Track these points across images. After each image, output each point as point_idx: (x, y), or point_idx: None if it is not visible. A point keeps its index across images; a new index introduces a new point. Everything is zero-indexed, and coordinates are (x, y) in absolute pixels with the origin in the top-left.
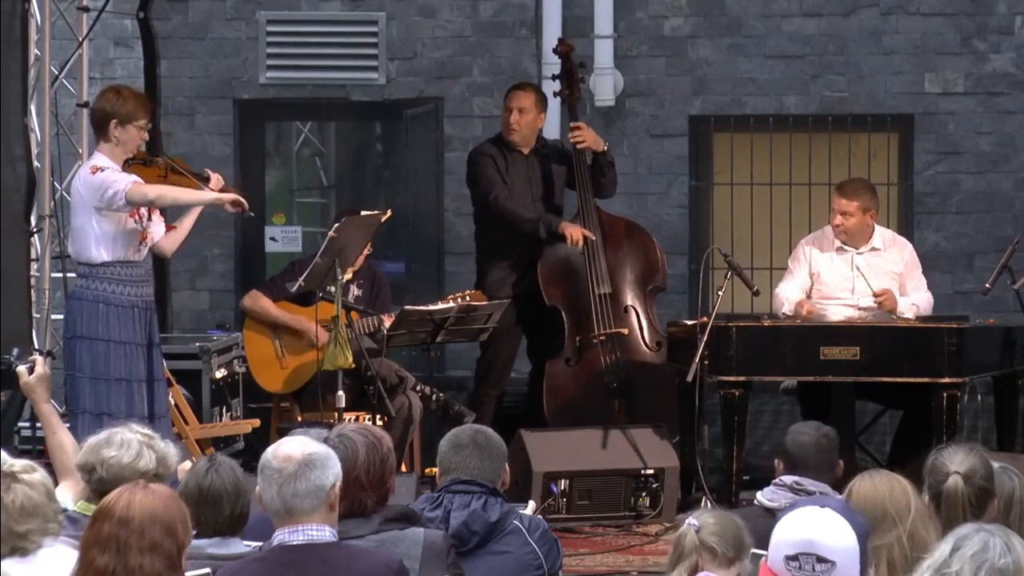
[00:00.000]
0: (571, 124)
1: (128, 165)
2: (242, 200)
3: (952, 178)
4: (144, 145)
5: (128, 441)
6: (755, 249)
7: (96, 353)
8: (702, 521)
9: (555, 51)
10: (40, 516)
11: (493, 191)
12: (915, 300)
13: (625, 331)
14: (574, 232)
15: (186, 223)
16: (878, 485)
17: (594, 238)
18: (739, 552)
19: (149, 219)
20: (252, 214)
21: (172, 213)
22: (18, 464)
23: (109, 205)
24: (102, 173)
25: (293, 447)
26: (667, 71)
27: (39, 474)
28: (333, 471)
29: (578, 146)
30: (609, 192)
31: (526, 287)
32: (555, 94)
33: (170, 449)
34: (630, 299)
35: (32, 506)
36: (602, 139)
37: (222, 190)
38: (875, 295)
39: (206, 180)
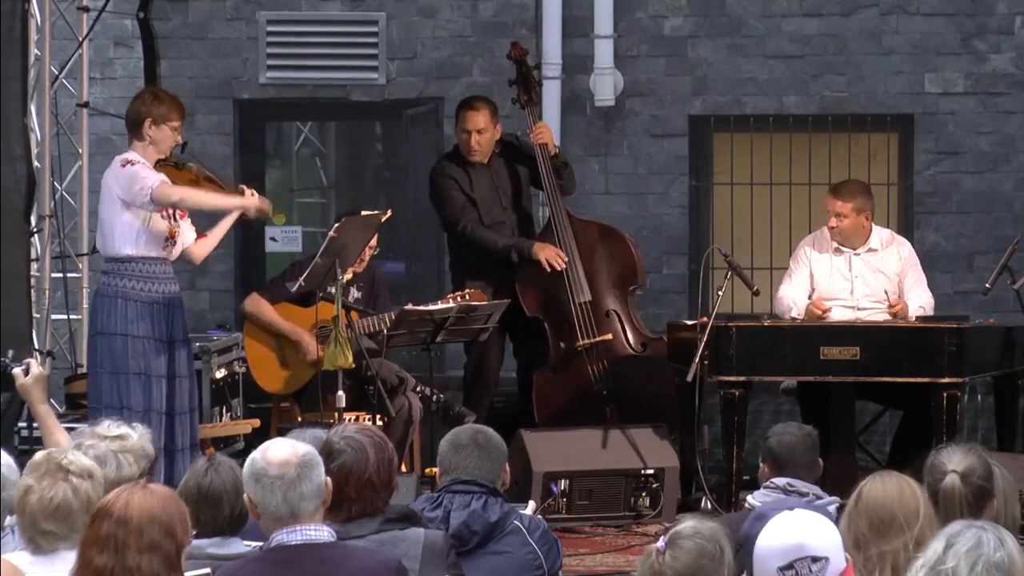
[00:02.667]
0: (533, 126)
1: (159, 166)
2: (266, 208)
3: (952, 178)
4: (179, 149)
5: (102, 457)
6: (755, 249)
7: (115, 348)
8: (672, 547)
9: (508, 56)
10: (67, 524)
11: (462, 221)
12: (920, 303)
13: (609, 337)
14: (550, 258)
15: (217, 232)
16: (889, 489)
17: (566, 262)
18: None
19: (176, 220)
20: (274, 221)
21: (203, 222)
22: (79, 463)
23: (135, 200)
24: (132, 167)
25: (284, 451)
26: (667, 71)
27: (90, 483)
28: (322, 466)
29: (537, 141)
30: (570, 190)
31: (505, 294)
32: (513, 101)
33: (144, 436)
34: (610, 303)
35: (66, 512)
36: (554, 145)
37: (267, 209)
38: (891, 305)
39: (240, 194)
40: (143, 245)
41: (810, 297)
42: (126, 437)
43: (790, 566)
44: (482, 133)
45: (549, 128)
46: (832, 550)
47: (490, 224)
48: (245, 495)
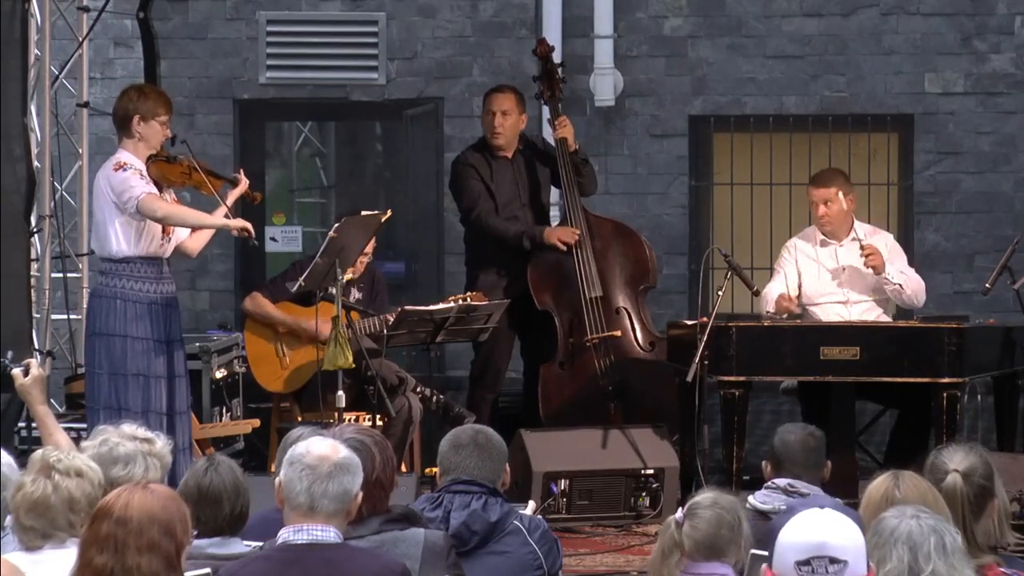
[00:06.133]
0: (555, 120)
1: (151, 161)
2: (248, 227)
3: (952, 178)
4: (170, 143)
5: (131, 455)
6: (755, 249)
7: (113, 349)
8: (691, 518)
9: (534, 52)
10: (47, 519)
11: (475, 208)
12: (903, 270)
13: (617, 333)
14: (562, 236)
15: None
16: (923, 490)
17: (579, 235)
18: (721, 551)
19: None
20: (256, 243)
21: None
22: (65, 461)
23: (123, 208)
24: (124, 172)
25: (327, 448)
26: (667, 71)
27: (74, 481)
28: (359, 479)
29: (557, 135)
30: (590, 189)
31: (517, 290)
32: (536, 96)
33: (166, 445)
34: (621, 301)
35: (44, 507)
36: (576, 141)
37: (248, 190)
38: (862, 247)
39: (232, 182)
40: (140, 246)
41: (799, 295)
42: (152, 442)
43: (807, 562)
44: (507, 115)
45: (570, 123)
46: (853, 554)
47: (505, 218)
48: (276, 479)
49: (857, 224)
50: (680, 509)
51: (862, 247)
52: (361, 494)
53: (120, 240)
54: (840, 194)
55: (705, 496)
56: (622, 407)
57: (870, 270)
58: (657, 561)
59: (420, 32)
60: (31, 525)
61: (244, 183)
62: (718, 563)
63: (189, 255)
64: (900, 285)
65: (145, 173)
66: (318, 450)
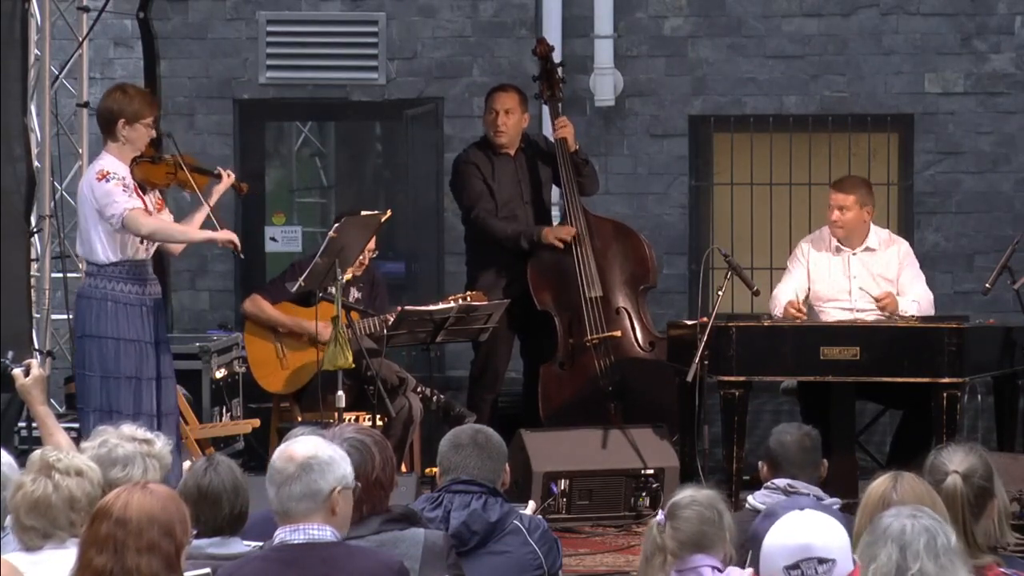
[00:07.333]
0: (555, 121)
1: (136, 163)
2: (234, 240)
3: (952, 178)
4: (156, 143)
5: (130, 457)
6: (755, 249)
7: (105, 351)
8: (672, 519)
9: (533, 52)
10: (48, 519)
11: (476, 208)
12: (915, 297)
13: (617, 334)
14: (559, 235)
15: (195, 223)
16: (920, 492)
17: (576, 232)
18: (706, 547)
19: (159, 214)
20: (243, 256)
21: (180, 214)
22: (65, 461)
23: (108, 220)
24: (107, 183)
25: (299, 448)
26: (667, 71)
27: (75, 480)
28: (335, 475)
29: (557, 135)
30: (591, 189)
31: (517, 290)
32: (536, 96)
33: (166, 446)
34: (621, 301)
35: (45, 507)
36: (576, 141)
37: (235, 185)
38: (876, 300)
39: (217, 177)
40: (126, 252)
41: (807, 296)
42: (152, 443)
43: (796, 566)
44: (509, 114)
45: (570, 123)
46: (839, 552)
47: (505, 216)
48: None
49: (875, 229)
50: (660, 511)
51: (875, 299)
52: (340, 489)
53: (105, 247)
54: (857, 203)
55: (683, 495)
56: (622, 407)
57: (884, 282)
58: (643, 566)
59: (420, 32)
60: (31, 524)
61: (228, 178)
62: (703, 555)
63: (172, 253)
64: (914, 315)
65: (129, 181)
66: (286, 452)
